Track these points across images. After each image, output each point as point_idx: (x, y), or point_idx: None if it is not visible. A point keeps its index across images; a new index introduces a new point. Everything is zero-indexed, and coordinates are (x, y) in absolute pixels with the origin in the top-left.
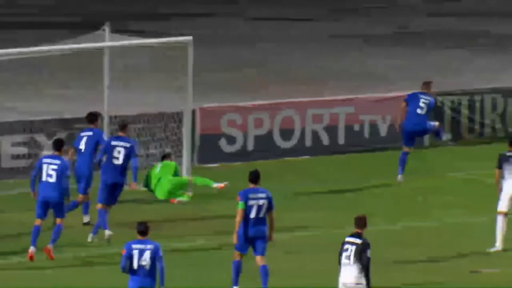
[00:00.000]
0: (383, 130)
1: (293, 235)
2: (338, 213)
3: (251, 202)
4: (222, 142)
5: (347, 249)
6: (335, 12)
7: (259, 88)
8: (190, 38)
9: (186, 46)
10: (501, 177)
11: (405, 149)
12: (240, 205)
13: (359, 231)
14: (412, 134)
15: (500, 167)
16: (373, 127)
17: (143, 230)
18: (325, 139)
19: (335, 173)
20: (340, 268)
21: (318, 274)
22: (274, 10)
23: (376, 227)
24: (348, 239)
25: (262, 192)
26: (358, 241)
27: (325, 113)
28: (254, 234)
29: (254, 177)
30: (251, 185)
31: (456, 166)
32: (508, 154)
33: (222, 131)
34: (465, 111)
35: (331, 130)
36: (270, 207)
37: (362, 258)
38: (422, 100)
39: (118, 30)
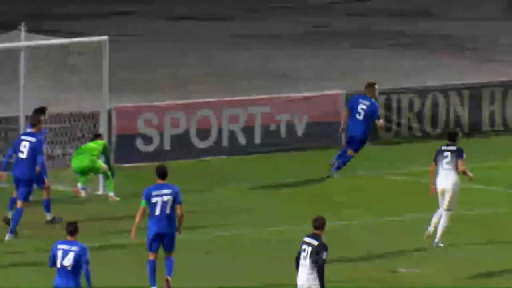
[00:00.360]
0: (299, 130)
1: (210, 235)
2: (255, 213)
3: (155, 199)
4: (139, 142)
5: (304, 250)
6: (252, 12)
7: (175, 88)
8: (105, 37)
9: (102, 46)
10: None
11: (345, 147)
12: (142, 203)
13: (317, 232)
14: (351, 139)
15: (435, 160)
16: (290, 127)
17: (71, 230)
18: (241, 139)
19: (252, 173)
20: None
21: (235, 274)
22: (189, 9)
23: (293, 226)
24: (305, 239)
25: (168, 188)
26: (315, 242)
27: (242, 113)
28: (161, 231)
29: (161, 173)
30: (159, 181)
31: (372, 166)
32: (443, 148)
33: (138, 130)
34: (382, 111)
35: (248, 130)
36: (176, 202)
37: (318, 260)
38: (360, 106)
39: (33, 30)
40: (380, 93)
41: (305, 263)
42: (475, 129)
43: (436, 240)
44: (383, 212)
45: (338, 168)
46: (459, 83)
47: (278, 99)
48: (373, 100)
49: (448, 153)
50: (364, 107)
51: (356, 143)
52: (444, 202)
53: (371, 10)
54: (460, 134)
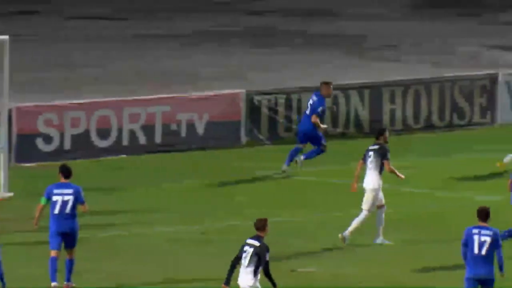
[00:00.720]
0: (200, 129)
1: (110, 233)
2: (152, 213)
3: (55, 198)
4: (39, 141)
5: (245, 251)
6: (152, 12)
7: (76, 87)
8: (6, 37)
9: (2, 45)
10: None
11: (298, 144)
12: (41, 200)
13: (259, 234)
14: (299, 133)
15: (363, 159)
16: (190, 126)
17: None
18: (142, 138)
19: (152, 172)
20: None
21: (128, 274)
22: (90, 9)
23: (190, 227)
24: (247, 240)
25: (69, 187)
26: (257, 243)
27: (142, 112)
28: (60, 229)
29: (65, 172)
30: (62, 180)
31: (273, 165)
32: (369, 147)
33: (39, 130)
34: (282, 110)
35: (148, 129)
36: (79, 201)
37: (261, 261)
38: (310, 101)
39: None
40: (281, 93)
41: (245, 264)
42: (375, 128)
43: (346, 232)
44: (284, 212)
45: (307, 157)
46: (360, 82)
47: (179, 98)
48: (323, 97)
49: (371, 152)
50: (311, 102)
51: (314, 141)
52: (363, 201)
53: (272, 9)
54: (386, 132)
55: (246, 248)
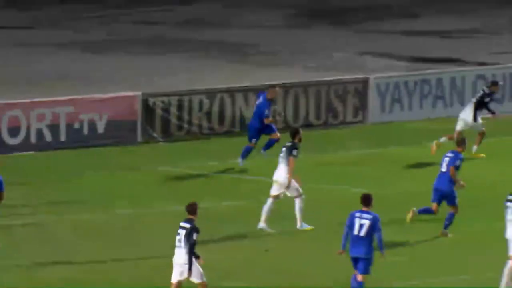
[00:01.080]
0: (100, 128)
1: (19, 223)
2: (58, 204)
3: None
4: None
5: (179, 233)
6: (53, 22)
7: None
8: None
9: None
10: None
11: (249, 143)
12: None
13: (190, 216)
14: (250, 130)
15: None
16: (92, 125)
17: None
18: (48, 137)
19: (58, 168)
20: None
21: (39, 261)
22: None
23: (94, 215)
24: (181, 224)
25: None
26: (188, 225)
27: (48, 112)
28: None
29: None
30: None
31: (165, 161)
32: (285, 144)
33: None
34: (174, 111)
35: (54, 128)
36: (2, 189)
37: (189, 240)
38: (257, 101)
39: None
40: (174, 95)
41: (179, 245)
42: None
43: (298, 224)
44: (174, 203)
45: (244, 157)
46: (244, 85)
47: (81, 99)
48: (268, 100)
49: (284, 149)
50: (258, 102)
51: (252, 135)
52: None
53: (164, 19)
54: (300, 132)
55: (180, 230)
